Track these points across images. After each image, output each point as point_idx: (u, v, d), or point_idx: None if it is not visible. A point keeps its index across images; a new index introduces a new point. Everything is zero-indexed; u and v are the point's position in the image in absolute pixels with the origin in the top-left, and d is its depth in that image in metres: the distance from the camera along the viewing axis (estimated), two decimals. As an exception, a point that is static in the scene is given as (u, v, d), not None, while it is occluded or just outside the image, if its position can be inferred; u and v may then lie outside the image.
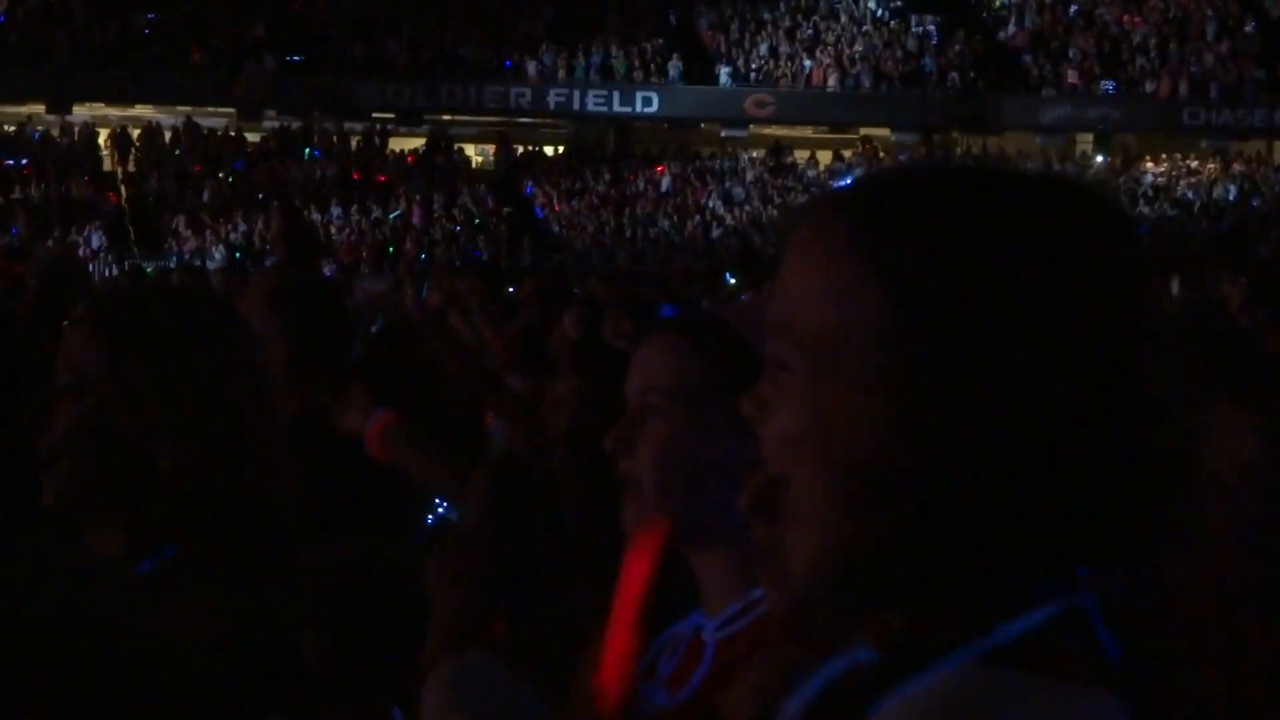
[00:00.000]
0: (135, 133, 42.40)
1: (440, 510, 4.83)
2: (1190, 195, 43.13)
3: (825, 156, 45.06)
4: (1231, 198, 42.07)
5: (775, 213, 40.93)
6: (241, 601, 2.24)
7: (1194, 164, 44.93)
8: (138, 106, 42.49)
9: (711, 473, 1.99)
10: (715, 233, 40.06)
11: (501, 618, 3.00)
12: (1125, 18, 46.04)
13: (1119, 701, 1.01)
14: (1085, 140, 46.17)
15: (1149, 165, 45.10)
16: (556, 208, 40.81)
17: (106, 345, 2.45)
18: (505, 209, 39.86)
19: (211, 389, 2.36)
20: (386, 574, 3.25)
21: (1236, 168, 44.14)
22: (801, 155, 45.06)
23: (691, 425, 2.13)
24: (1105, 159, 45.55)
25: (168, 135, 42.28)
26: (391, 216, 39.11)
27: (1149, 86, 44.10)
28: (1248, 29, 45.11)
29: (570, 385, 4.23)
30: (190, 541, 2.28)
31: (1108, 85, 44.09)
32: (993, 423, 1.04)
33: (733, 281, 23.47)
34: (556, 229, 39.61)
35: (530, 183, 42.09)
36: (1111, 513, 1.06)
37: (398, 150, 43.70)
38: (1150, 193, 42.90)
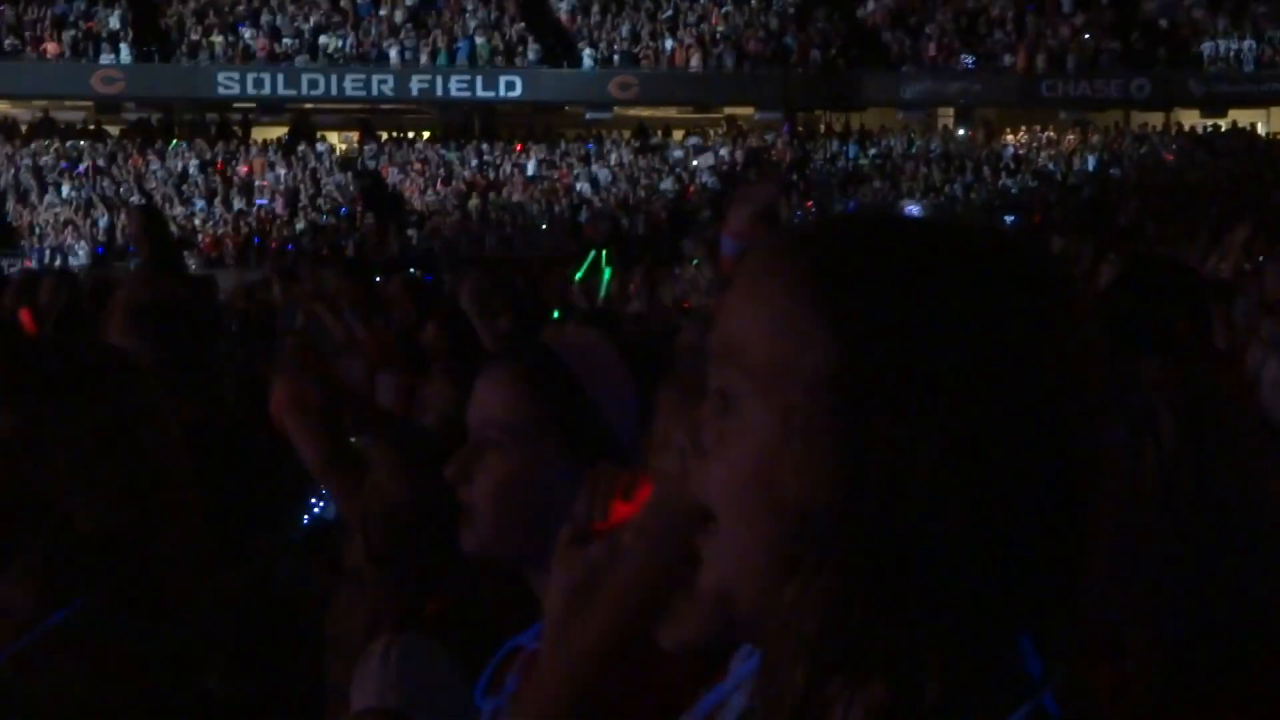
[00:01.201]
0: None
1: (316, 510, 4.79)
2: (1051, 166, 43.91)
3: (688, 137, 46.09)
4: (1091, 168, 42.98)
5: (642, 194, 41.17)
6: (153, 646, 2.25)
7: (1053, 135, 45.86)
8: None
9: (545, 504, 2.02)
10: (583, 216, 40.06)
11: (434, 596, 2.89)
12: None
13: None
14: (947, 114, 46.87)
15: (1009, 137, 45.92)
16: (423, 195, 40.87)
17: (10, 403, 2.44)
18: (367, 198, 39.59)
19: (119, 438, 2.35)
20: (279, 598, 3.31)
21: (1095, 138, 44.87)
22: (675, 136, 45.36)
23: (526, 460, 2.19)
24: (967, 132, 46.40)
25: (23, 129, 42.35)
26: (257, 205, 38.95)
27: (1007, 60, 44.72)
28: (1103, 1, 45.76)
29: (439, 389, 4.52)
30: (101, 590, 2.28)
31: (967, 60, 44.68)
32: (936, 469, 1.03)
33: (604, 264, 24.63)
34: (424, 215, 39.73)
35: (395, 170, 41.66)
36: (1052, 565, 1.06)
37: (260, 140, 43.76)
38: (1011, 164, 43.60)
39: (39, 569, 2.30)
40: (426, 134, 45.07)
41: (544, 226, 39.35)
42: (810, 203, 37.57)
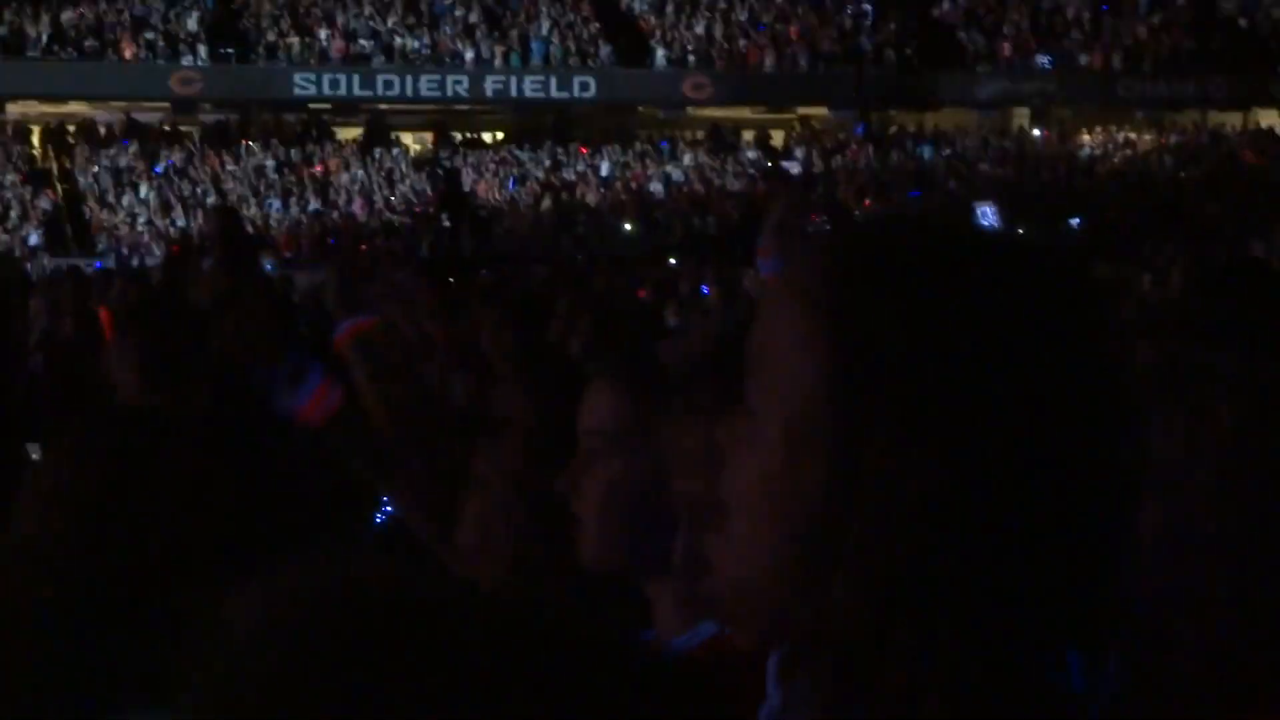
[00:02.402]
0: (70, 129, 42.68)
1: (389, 509, 4.54)
2: (1126, 167, 42.89)
3: (765, 137, 45.60)
4: (1168, 168, 41.68)
5: (716, 195, 40.77)
6: None
7: (1130, 135, 45.43)
8: (71, 103, 42.52)
9: (652, 509, 2.02)
10: (658, 215, 39.73)
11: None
12: None
13: None
14: (1022, 115, 46.81)
15: (1085, 138, 45.52)
16: (497, 195, 40.92)
17: None
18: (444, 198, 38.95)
19: None
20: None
21: (1172, 139, 44.08)
22: (747, 135, 45.05)
23: (629, 467, 2.22)
24: (1042, 133, 46.13)
25: (102, 131, 42.25)
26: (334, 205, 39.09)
27: (1083, 59, 44.76)
28: (1180, 0, 45.47)
29: (512, 399, 4.10)
30: None
31: (1043, 59, 44.71)
32: (930, 489, 1.01)
33: (674, 263, 24.35)
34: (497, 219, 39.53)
35: (470, 171, 41.51)
36: (1072, 579, 1.04)
37: (336, 141, 44.00)
38: (1087, 165, 42.95)
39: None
40: (500, 134, 44.48)
41: (617, 226, 38.51)
42: (815, 215, 37.37)
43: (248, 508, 2.13)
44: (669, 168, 42.77)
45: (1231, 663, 1.74)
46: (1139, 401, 1.14)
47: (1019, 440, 1.01)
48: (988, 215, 26.12)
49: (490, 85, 42.64)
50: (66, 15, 41.54)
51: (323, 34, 42.60)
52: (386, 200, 39.75)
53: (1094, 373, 1.07)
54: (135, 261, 31.95)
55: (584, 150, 43.75)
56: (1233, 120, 45.36)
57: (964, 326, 1.04)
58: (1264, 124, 44.77)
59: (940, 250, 1.11)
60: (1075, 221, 37.72)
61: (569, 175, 42.56)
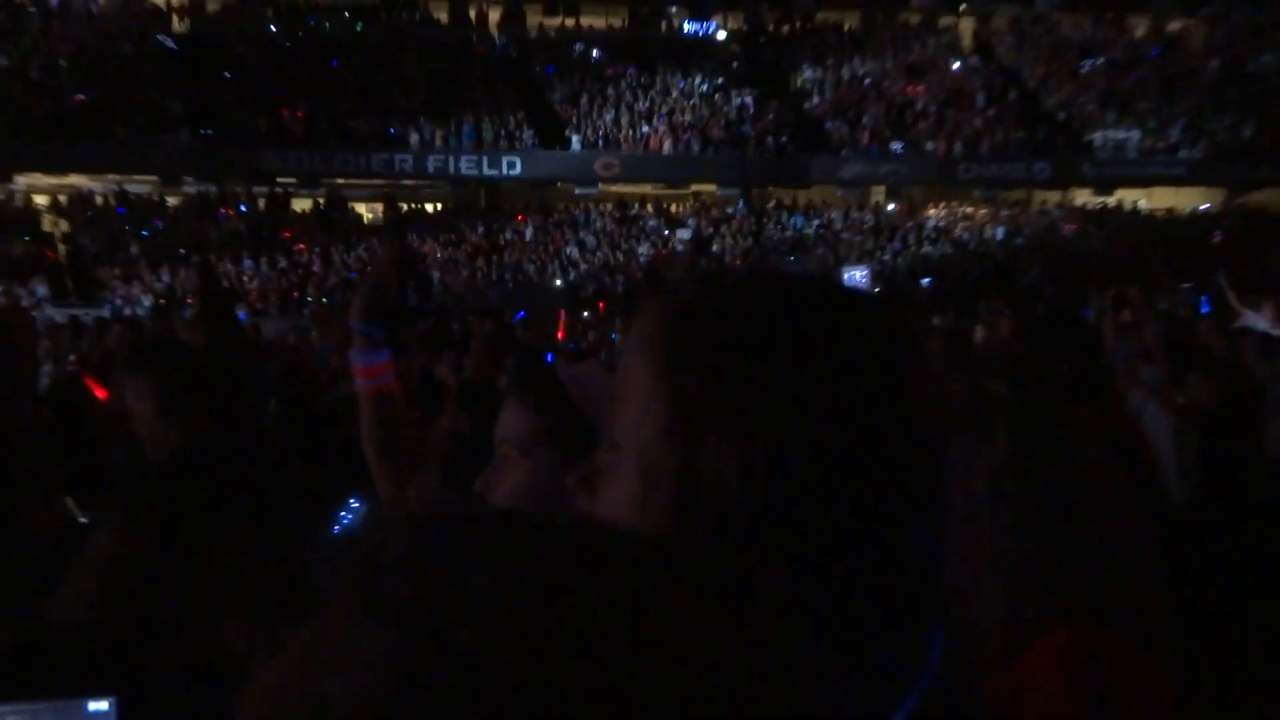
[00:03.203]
0: (68, 198, 42.52)
1: (345, 520, 3.95)
2: (965, 236, 44.63)
3: (665, 208, 45.85)
4: (999, 238, 43.87)
5: (622, 258, 42.02)
6: None
7: (968, 210, 46.25)
8: (71, 175, 42.40)
9: (555, 507, 1.99)
10: (572, 275, 40.68)
11: None
12: (909, 89, 47.51)
13: None
14: (879, 191, 46.85)
15: (931, 211, 46.24)
16: (438, 256, 40.89)
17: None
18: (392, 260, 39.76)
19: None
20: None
21: (1003, 213, 45.79)
22: (649, 208, 45.74)
23: (532, 470, 2.37)
24: (895, 207, 46.53)
25: (99, 200, 42.52)
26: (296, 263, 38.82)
27: (930, 146, 45.11)
28: (1010, 97, 46.90)
29: (453, 420, 4.38)
30: None
31: (896, 146, 45.01)
32: (749, 506, 1.03)
33: (586, 315, 25.25)
34: (437, 275, 38.62)
35: (414, 236, 41.75)
36: (882, 569, 1.04)
37: (299, 210, 43.85)
38: (933, 235, 44.44)
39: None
40: (440, 205, 45.34)
41: (538, 283, 39.56)
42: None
43: (264, 511, 2.38)
44: (583, 234, 43.44)
45: (1005, 614, 1.92)
46: (946, 420, 1.10)
47: (828, 455, 1.03)
48: (856, 279, 24.79)
49: (432, 163, 42.96)
50: (68, 101, 41.61)
51: (286, 115, 42.83)
52: (343, 259, 39.68)
53: (893, 393, 1.07)
54: (128, 310, 32.41)
55: (521, 218, 44.07)
56: (1053, 197, 46.87)
57: (774, 368, 1.05)
58: (1078, 201, 45.85)
59: (761, 301, 1.11)
60: (925, 281, 38.03)
61: (499, 240, 42.70)
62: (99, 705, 1.16)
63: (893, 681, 1.03)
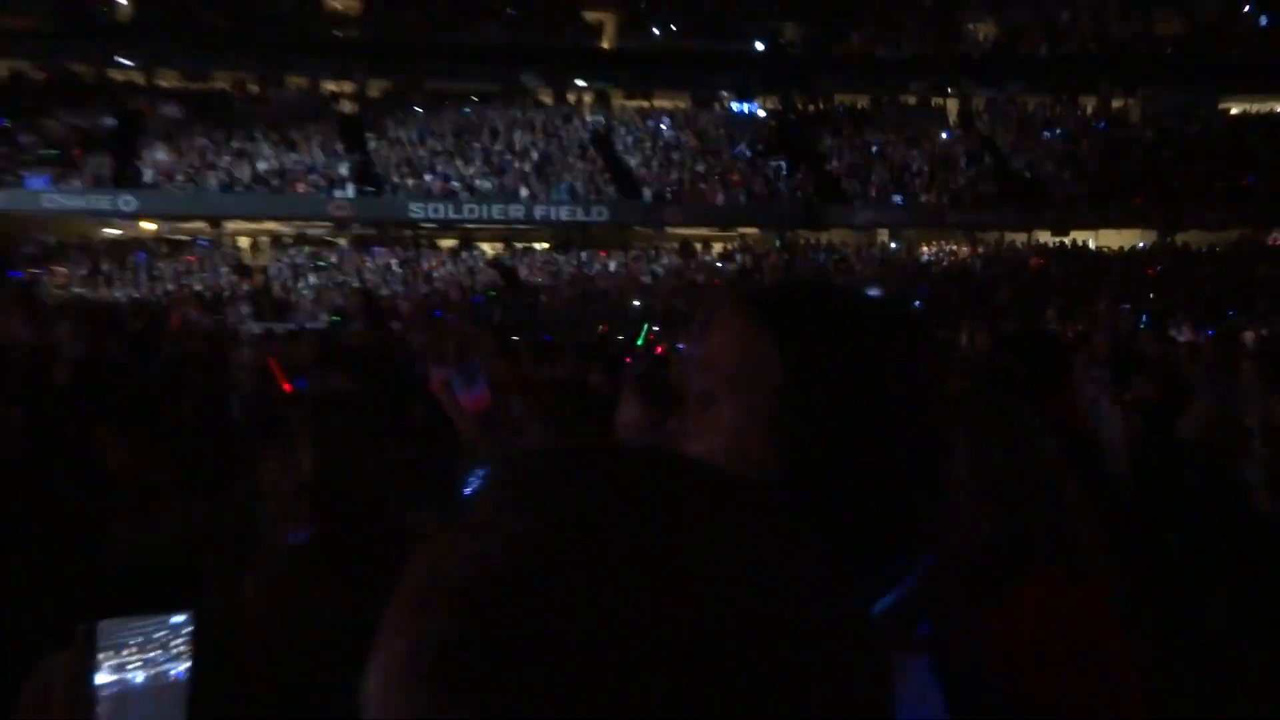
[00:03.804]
0: (265, 240, 43.03)
1: (473, 482, 3.87)
2: (951, 269, 43.89)
3: (716, 247, 45.62)
4: (977, 269, 43.09)
5: (688, 287, 41.12)
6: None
7: (953, 247, 45.65)
8: (266, 222, 42.71)
9: None
10: (649, 300, 39.08)
11: None
12: (908, 154, 46.68)
13: (927, 662, 1.02)
14: (883, 234, 46.52)
15: (925, 249, 45.75)
16: (542, 283, 40.87)
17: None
18: (506, 285, 40.14)
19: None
20: None
21: (980, 249, 45.14)
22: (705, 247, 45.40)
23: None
24: (897, 246, 46.09)
25: (286, 240, 42.98)
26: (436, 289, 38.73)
27: (924, 198, 44.70)
28: (986, 160, 46.41)
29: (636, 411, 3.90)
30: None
31: (897, 198, 44.55)
32: (843, 451, 1.03)
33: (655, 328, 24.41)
34: (543, 297, 38.98)
35: (524, 268, 42.42)
36: (913, 511, 1.06)
37: (441, 247, 43.92)
38: (923, 275, 43.17)
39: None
40: (545, 244, 45.13)
41: (619, 304, 38.12)
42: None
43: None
44: (654, 266, 43.22)
45: (981, 557, 1.86)
46: (949, 415, 1.12)
47: (891, 416, 1.05)
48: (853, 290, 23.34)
49: (538, 211, 42.82)
50: (261, 165, 41.87)
51: (428, 177, 42.72)
52: (470, 287, 39.54)
53: (922, 376, 1.09)
54: (308, 324, 30.70)
55: (604, 253, 43.91)
56: (1020, 237, 46.01)
57: (859, 348, 1.07)
58: (1040, 240, 45.30)
59: (843, 301, 1.13)
60: (917, 303, 35.96)
61: (589, 271, 42.51)
62: (179, 618, 1.16)
63: (887, 582, 1.04)
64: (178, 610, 1.20)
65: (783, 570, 0.61)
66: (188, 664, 1.19)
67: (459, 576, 0.58)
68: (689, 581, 0.57)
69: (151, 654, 1.17)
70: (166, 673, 1.17)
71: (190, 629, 1.21)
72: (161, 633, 1.19)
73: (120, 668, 1.15)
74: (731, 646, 0.56)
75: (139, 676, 1.15)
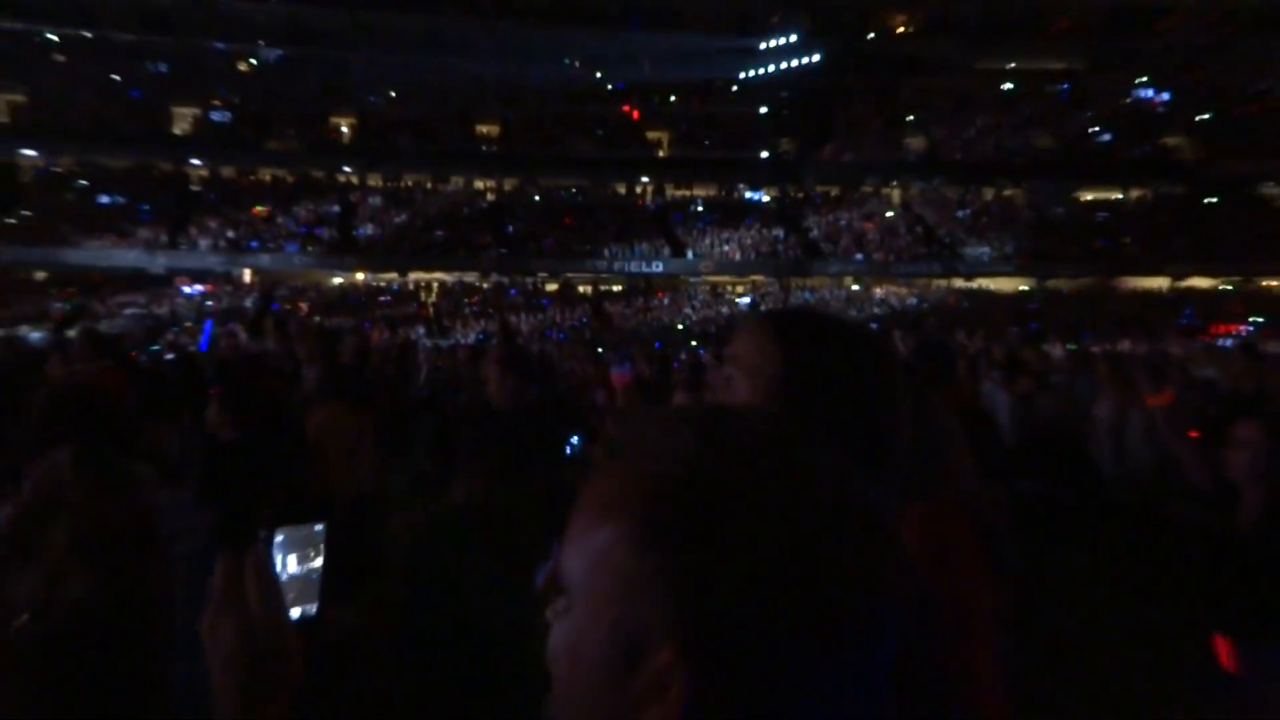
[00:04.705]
0: (435, 284, 41.97)
1: (571, 446, 3.53)
2: (895, 304, 42.18)
3: (736, 289, 44.36)
4: (913, 304, 41.79)
5: (716, 315, 40.45)
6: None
7: (897, 290, 44.31)
8: (436, 271, 41.11)
9: None
10: (690, 323, 39.00)
11: None
12: (865, 225, 45.66)
13: None
14: (850, 280, 44.25)
15: (876, 291, 44.01)
16: (618, 313, 39.13)
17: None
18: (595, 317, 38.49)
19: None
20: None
21: (915, 292, 43.78)
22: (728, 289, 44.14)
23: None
24: (859, 288, 44.23)
25: (449, 284, 40.87)
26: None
27: (876, 256, 43.08)
28: (918, 230, 45.14)
29: (684, 398, 3.92)
30: None
31: (858, 256, 43.25)
32: (820, 418, 0.96)
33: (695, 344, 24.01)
34: (618, 325, 36.71)
35: (607, 304, 40.58)
36: (871, 468, 0.98)
37: (548, 289, 42.06)
38: (876, 307, 41.96)
39: None
40: (620, 287, 44.31)
41: (670, 327, 37.42)
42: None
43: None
44: (693, 302, 42.33)
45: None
46: (896, 395, 1.02)
47: (847, 391, 1.00)
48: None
49: (616, 265, 41.69)
50: (436, 234, 41.00)
51: (544, 243, 42.24)
52: (570, 313, 38.41)
53: (877, 370, 1.04)
54: (464, 340, 29.87)
55: (660, 295, 43.02)
56: (942, 283, 44.23)
57: (837, 355, 1.02)
58: (956, 284, 43.90)
59: (827, 323, 1.08)
60: (874, 325, 33.83)
61: (650, 305, 41.79)
62: (319, 527, 1.13)
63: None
64: (318, 521, 1.12)
65: (843, 466, 0.61)
66: (321, 560, 1.11)
67: (655, 476, 0.57)
68: (801, 470, 0.57)
69: (300, 551, 1.10)
70: (310, 565, 1.10)
71: (325, 535, 1.13)
72: (306, 534, 1.11)
73: (283, 562, 1.08)
74: (835, 518, 0.56)
75: (292, 567, 1.09)
